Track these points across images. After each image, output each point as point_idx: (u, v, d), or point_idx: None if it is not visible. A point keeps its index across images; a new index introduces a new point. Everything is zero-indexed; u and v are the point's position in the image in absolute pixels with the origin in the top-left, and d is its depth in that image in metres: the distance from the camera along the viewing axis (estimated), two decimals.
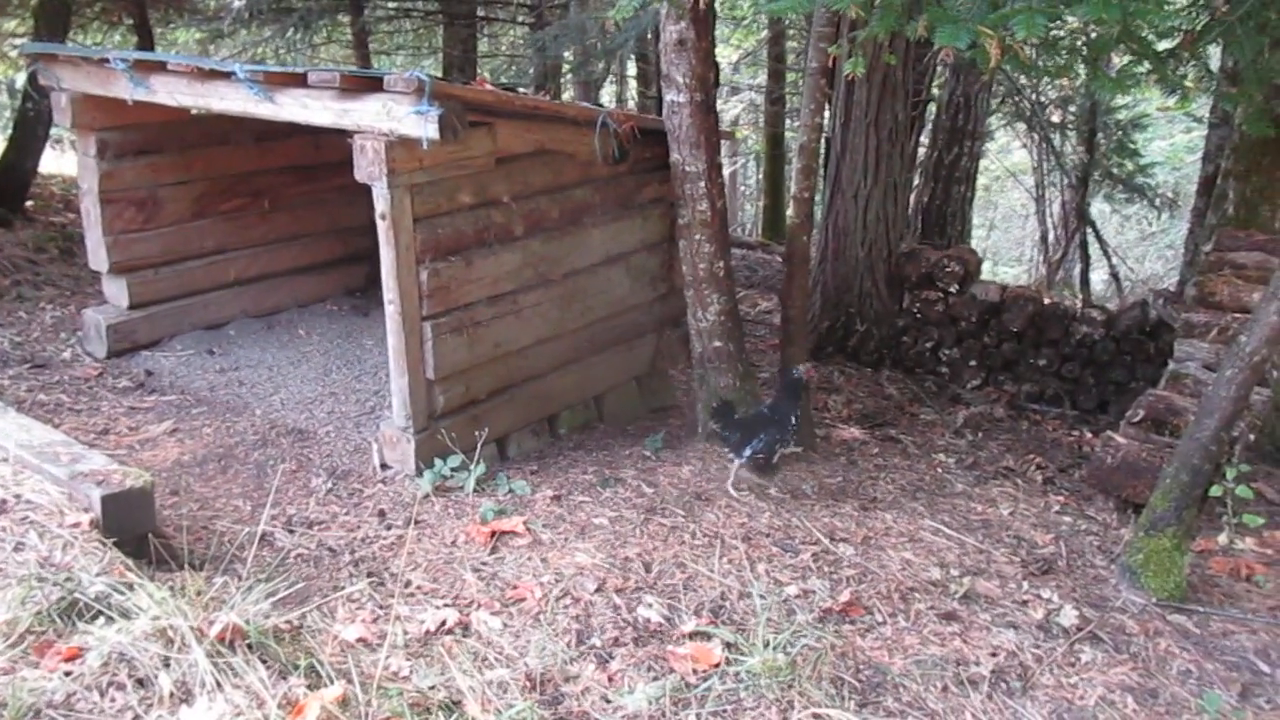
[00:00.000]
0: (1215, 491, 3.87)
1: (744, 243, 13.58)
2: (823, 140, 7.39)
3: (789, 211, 4.98)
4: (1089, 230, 12.09)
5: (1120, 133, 12.04)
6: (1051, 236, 18.58)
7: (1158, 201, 13.28)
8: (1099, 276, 13.93)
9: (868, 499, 4.47)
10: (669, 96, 4.27)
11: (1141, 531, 3.97)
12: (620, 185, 4.77)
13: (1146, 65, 2.99)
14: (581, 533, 3.79)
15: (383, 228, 3.77)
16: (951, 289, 6.66)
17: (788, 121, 14.42)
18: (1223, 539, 4.06)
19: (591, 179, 4.60)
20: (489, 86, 3.95)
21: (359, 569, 3.44)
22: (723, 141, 4.73)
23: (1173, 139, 17.85)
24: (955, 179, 10.48)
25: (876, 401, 6.24)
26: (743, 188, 20.99)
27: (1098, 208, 18.66)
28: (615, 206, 4.75)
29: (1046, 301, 6.52)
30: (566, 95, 12.46)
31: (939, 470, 5.10)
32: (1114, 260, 13.59)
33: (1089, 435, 5.98)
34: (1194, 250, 8.46)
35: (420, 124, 3.53)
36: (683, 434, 4.93)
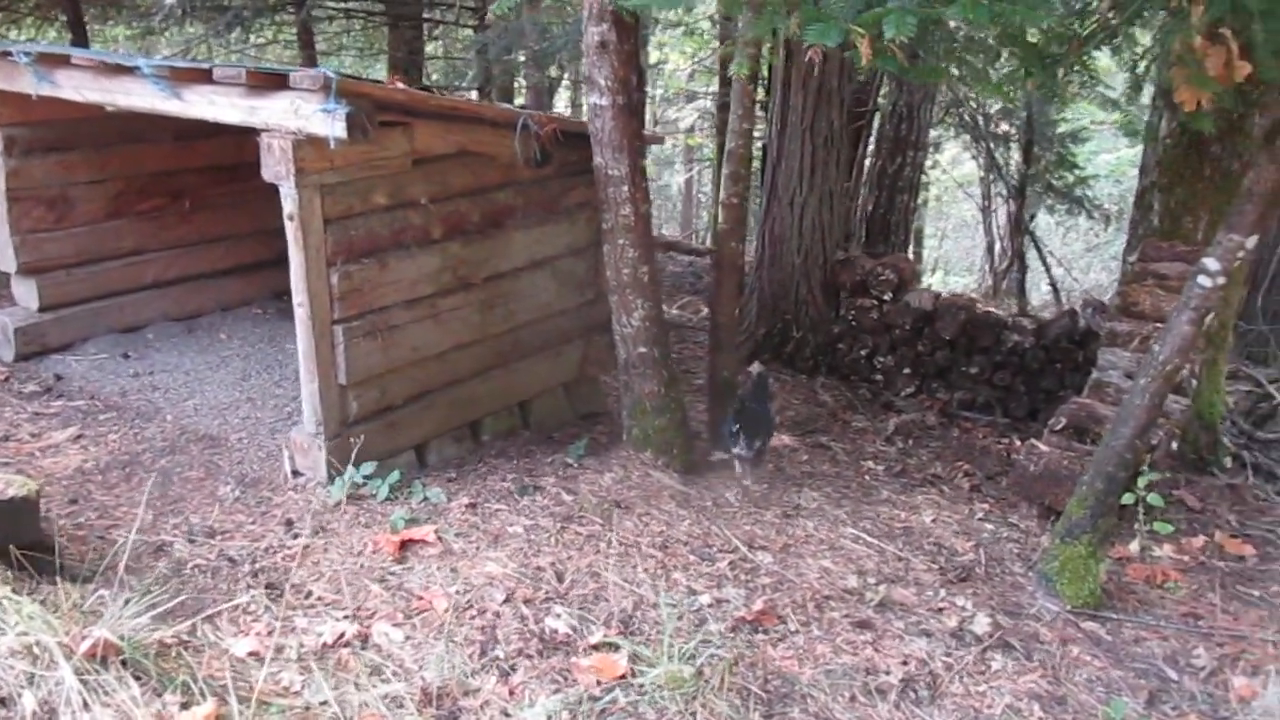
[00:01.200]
0: (1127, 499, 3.89)
1: (693, 249, 13.58)
2: (760, 147, 7.43)
3: (719, 218, 4.95)
4: (1029, 240, 12.27)
5: (1060, 145, 12.24)
6: (998, 247, 18.83)
7: (1096, 214, 13.51)
8: (1044, 286, 14.16)
9: (791, 506, 4.45)
10: (591, 99, 4.22)
11: (1058, 539, 3.99)
12: (545, 189, 4.70)
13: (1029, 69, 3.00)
14: (495, 541, 3.71)
15: (291, 229, 3.67)
16: (885, 297, 6.68)
17: None
18: (1135, 546, 4.09)
19: (514, 182, 4.53)
20: (402, 86, 3.87)
21: (258, 580, 3.33)
22: (651, 145, 4.69)
23: (1118, 152, 18.18)
24: (899, 188, 10.57)
25: (810, 408, 6.24)
26: (699, 195, 21.03)
27: (1044, 219, 18.96)
28: (539, 210, 4.69)
29: (979, 310, 6.57)
30: (519, 100, 12.38)
31: (866, 478, 5.09)
32: (1056, 270, 13.80)
33: (1017, 443, 6.02)
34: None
35: (328, 122, 3.44)
36: (608, 441, 4.88)
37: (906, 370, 6.73)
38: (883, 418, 6.23)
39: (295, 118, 3.53)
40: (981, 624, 3.50)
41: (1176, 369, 3.86)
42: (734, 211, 4.86)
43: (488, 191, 4.41)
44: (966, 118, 12.05)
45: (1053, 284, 11.05)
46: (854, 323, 6.84)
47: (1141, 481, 3.89)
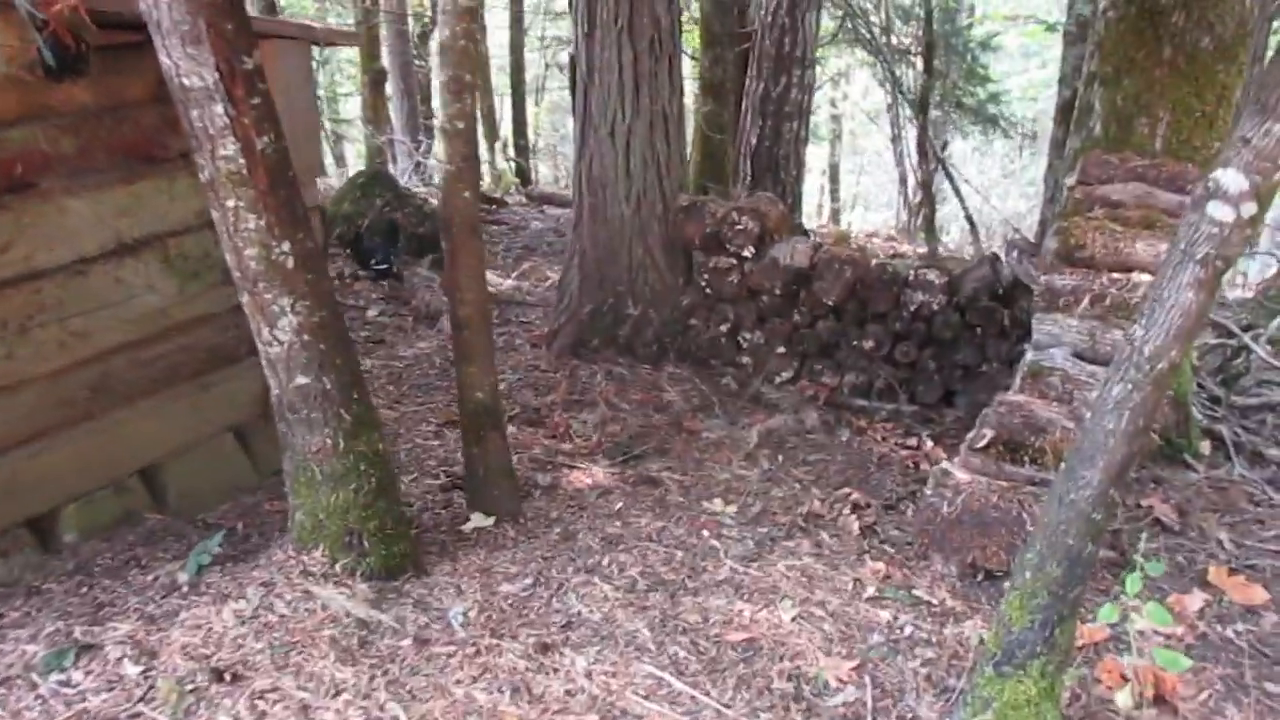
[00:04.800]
0: (1108, 614, 2.24)
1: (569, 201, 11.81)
2: (568, 57, 5.60)
3: (441, 154, 3.15)
4: (941, 169, 10.69)
5: (969, 56, 10.66)
6: (911, 179, 17.42)
7: (1014, 133, 12.01)
8: (962, 219, 12.72)
9: (560, 623, 2.71)
10: None
11: (989, 667, 2.34)
12: (131, 121, 2.84)
13: None
14: None
15: None
16: (746, 253, 4.95)
17: None
18: (1123, 700, 2.42)
19: (56, 111, 2.66)
20: None
21: None
22: (282, 39, 2.85)
23: (1027, 73, 17.10)
24: (785, 114, 8.99)
25: (645, 416, 4.51)
26: None
27: (957, 147, 17.54)
28: (123, 157, 2.83)
29: (870, 264, 4.88)
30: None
31: (705, 534, 3.39)
32: (973, 201, 12.33)
33: (928, 444, 4.38)
34: (1054, 186, 6.95)
35: None
36: (281, 522, 3.09)
37: (780, 349, 5.04)
38: (746, 421, 4.52)
39: None
40: None
41: (1172, 366, 2.20)
42: (459, 142, 3.05)
43: None
44: (862, 31, 10.39)
45: (969, 217, 9.47)
46: (709, 290, 5.11)
47: (1131, 586, 2.24)
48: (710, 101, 9.98)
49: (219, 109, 2.45)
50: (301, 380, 2.74)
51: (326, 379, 2.75)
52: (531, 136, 17.87)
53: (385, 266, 6.83)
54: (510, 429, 4.20)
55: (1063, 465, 2.32)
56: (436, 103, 2.99)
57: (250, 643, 2.41)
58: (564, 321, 5.21)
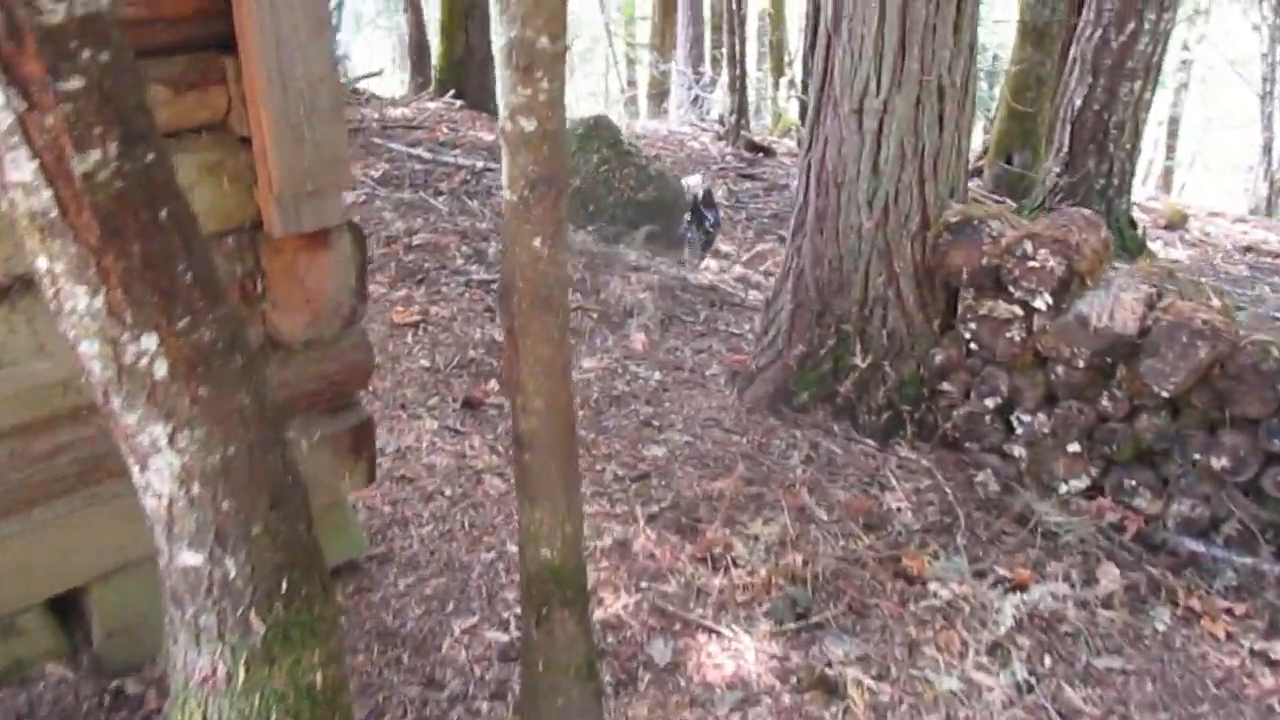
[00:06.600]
0: None
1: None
2: None
3: (503, 171, 1.85)
4: None
5: None
6: (1279, 146, 14.43)
7: None
8: None
9: None
10: None
11: None
12: None
13: None
14: None
15: None
16: (1038, 301, 3.31)
17: None
18: None
19: None
20: None
21: None
22: None
23: None
24: (1126, 71, 7.09)
25: (847, 538, 3.06)
26: None
27: None
28: None
29: (1245, 340, 3.10)
30: None
31: None
32: None
33: None
34: None
35: None
36: None
37: (1073, 446, 3.38)
38: (1002, 574, 2.96)
39: None
40: None
41: None
42: (524, 155, 1.75)
43: None
44: None
45: None
46: (974, 346, 3.52)
47: None
48: (1029, 48, 8.04)
49: None
50: (188, 559, 1.61)
51: (230, 560, 1.61)
52: None
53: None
54: (645, 535, 2.94)
55: None
56: (502, 80, 1.63)
57: None
58: (765, 363, 3.83)
